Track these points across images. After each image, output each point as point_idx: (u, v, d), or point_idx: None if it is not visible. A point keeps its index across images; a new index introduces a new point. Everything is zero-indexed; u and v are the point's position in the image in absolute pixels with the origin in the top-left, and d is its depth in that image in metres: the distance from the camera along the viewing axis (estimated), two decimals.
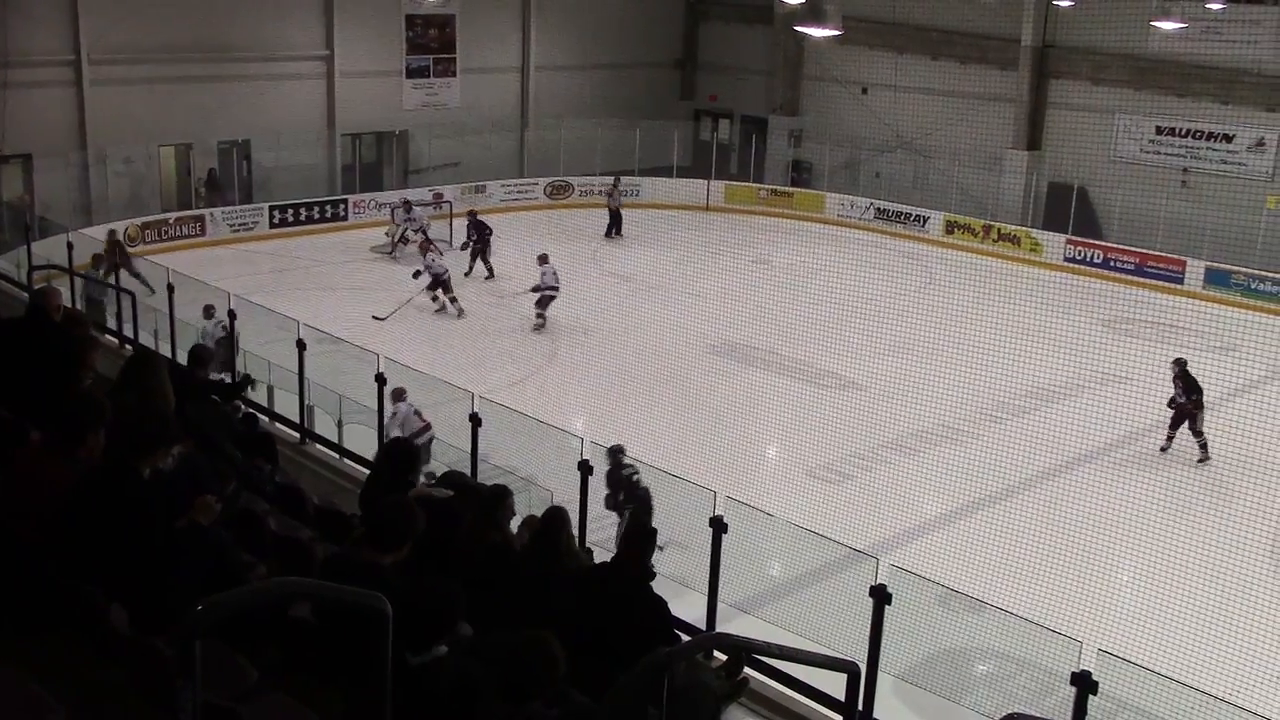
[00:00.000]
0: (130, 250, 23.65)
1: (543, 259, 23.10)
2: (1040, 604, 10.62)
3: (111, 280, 19.49)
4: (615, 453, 13.20)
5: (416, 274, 23.56)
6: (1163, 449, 17.78)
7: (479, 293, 25.06)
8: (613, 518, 12.94)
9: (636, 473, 12.98)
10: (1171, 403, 17.60)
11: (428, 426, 14.88)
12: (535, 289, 22.90)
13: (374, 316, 22.50)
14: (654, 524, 6.76)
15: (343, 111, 31.79)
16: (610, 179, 32.33)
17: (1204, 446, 17.43)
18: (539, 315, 22.83)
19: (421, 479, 14.74)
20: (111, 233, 23.24)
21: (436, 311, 23.53)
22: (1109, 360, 20.01)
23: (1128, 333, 23.02)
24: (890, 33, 32.72)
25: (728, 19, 38.18)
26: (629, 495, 13.01)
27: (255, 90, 30.05)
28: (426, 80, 33.73)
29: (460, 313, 23.42)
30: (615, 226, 30.87)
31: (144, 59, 27.85)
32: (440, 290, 23.51)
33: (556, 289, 22.93)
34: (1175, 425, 17.66)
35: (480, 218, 26.72)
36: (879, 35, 32.66)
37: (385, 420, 13.06)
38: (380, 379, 11.97)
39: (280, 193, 30.09)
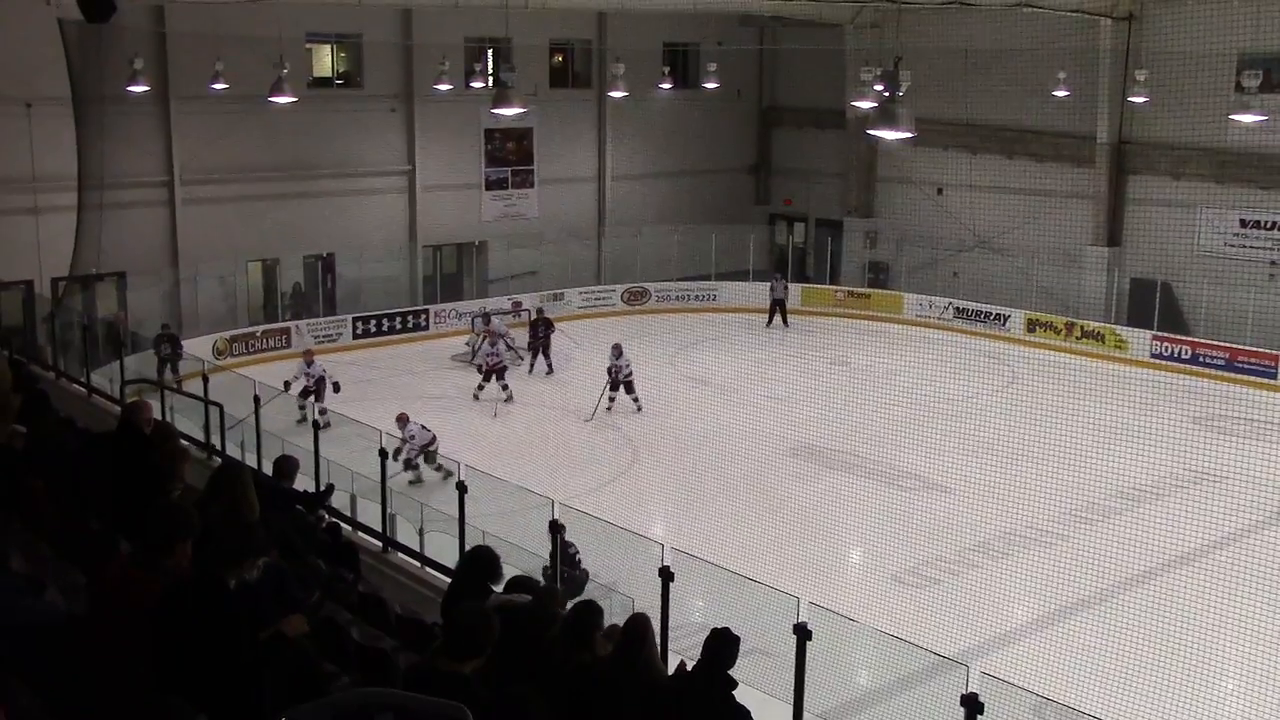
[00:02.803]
0: (218, 363, 24.43)
1: (617, 350, 24.05)
2: (1138, 713, 10.25)
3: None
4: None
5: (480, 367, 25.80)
6: None
7: (553, 397, 25.24)
8: (698, 624, 12.76)
9: (578, 552, 13.09)
10: None
11: (434, 438, 19.00)
12: (615, 381, 23.93)
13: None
14: (735, 631, 6.65)
15: (424, 224, 32.52)
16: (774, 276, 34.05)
17: None
18: (635, 399, 24.02)
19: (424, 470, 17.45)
20: None
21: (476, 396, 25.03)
22: (1202, 459, 19.50)
23: (1220, 430, 22.45)
24: (964, 133, 32.81)
25: (800, 124, 38.59)
26: (570, 572, 12.87)
27: (339, 206, 30.93)
28: (505, 192, 34.43)
29: (509, 398, 24.83)
30: (782, 317, 32.48)
31: (233, 178, 28.86)
32: (495, 378, 24.89)
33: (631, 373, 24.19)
34: None
35: (546, 316, 28.24)
36: (952, 136, 32.77)
37: (400, 443, 18.13)
38: (461, 487, 12.03)
39: (363, 304, 30.74)
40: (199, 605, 5.04)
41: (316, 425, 14.60)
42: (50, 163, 25.64)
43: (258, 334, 28.50)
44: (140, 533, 5.66)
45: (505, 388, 24.81)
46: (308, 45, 30.48)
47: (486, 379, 25.00)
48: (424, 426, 19.20)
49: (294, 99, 24.95)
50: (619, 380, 23.89)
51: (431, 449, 18.95)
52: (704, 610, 13.09)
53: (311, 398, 22.02)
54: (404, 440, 18.63)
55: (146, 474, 7.23)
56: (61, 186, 25.80)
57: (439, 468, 18.56)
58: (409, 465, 18.59)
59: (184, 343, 24.96)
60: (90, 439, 9.18)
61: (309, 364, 23.20)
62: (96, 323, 23.65)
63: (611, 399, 23.93)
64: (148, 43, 26.64)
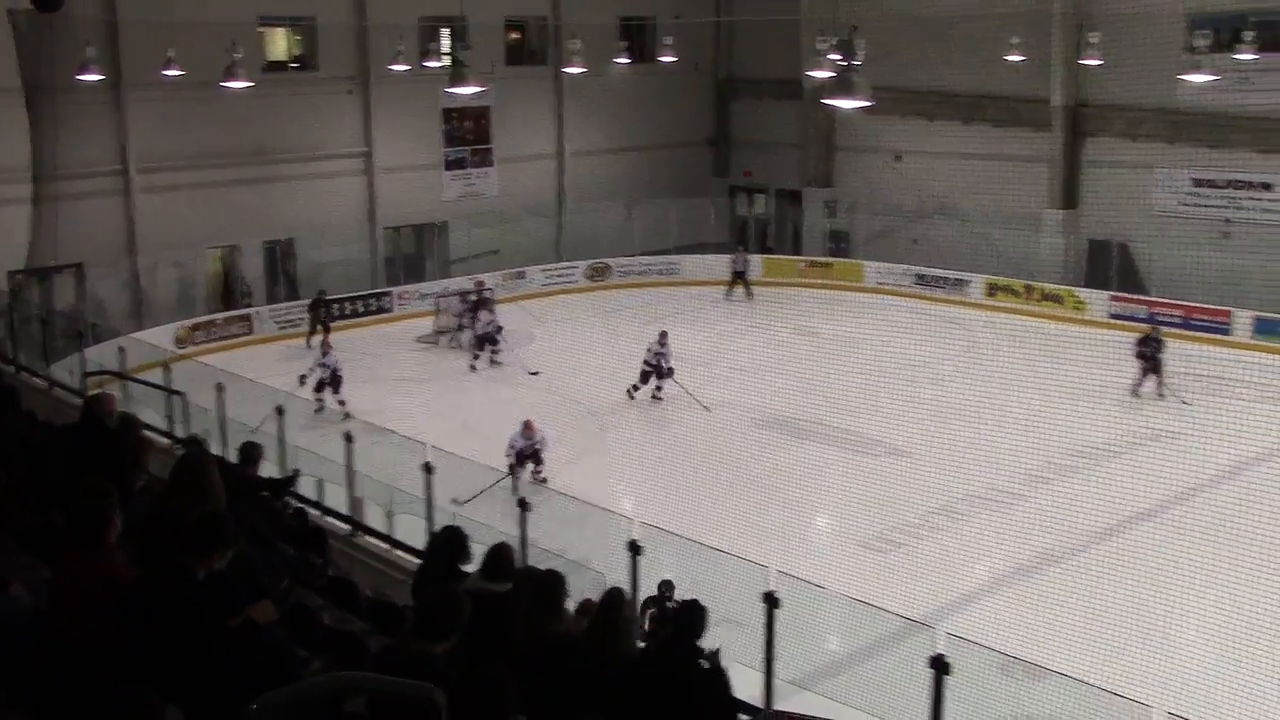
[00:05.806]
0: (180, 351, 24.27)
1: (663, 338, 23.64)
2: (1104, 668, 10.43)
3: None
4: (664, 587, 12.32)
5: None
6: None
7: (522, 374, 25.25)
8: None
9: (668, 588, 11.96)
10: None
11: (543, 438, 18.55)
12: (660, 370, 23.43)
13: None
14: (705, 605, 6.72)
15: (383, 206, 32.33)
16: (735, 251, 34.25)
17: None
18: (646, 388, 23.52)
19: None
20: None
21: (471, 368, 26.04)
22: (1158, 416, 19.78)
23: (1176, 387, 22.74)
24: (920, 100, 32.90)
25: (758, 95, 38.58)
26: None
27: (297, 190, 30.67)
28: (464, 171, 34.28)
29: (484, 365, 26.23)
30: (745, 288, 32.79)
31: (189, 166, 28.50)
32: (488, 347, 26.22)
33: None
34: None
35: (473, 297, 28.04)
36: (909, 103, 32.84)
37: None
38: (428, 468, 12.05)
39: (325, 288, 30.54)
40: (167, 595, 5.06)
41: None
42: (3, 154, 25.27)
43: (219, 321, 28.31)
44: (71, 522, 5.64)
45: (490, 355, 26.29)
46: (261, 28, 30.15)
47: (480, 347, 26.11)
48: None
49: (249, 84, 24.73)
50: (663, 369, 23.30)
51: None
52: (674, 583, 13.21)
53: (327, 389, 22.21)
54: (536, 444, 18.54)
55: (110, 466, 7.23)
56: (15, 178, 25.40)
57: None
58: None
59: (144, 332, 24.75)
60: (53, 432, 9.15)
61: (325, 354, 22.98)
62: (55, 314, 23.42)
63: (659, 388, 23.42)
64: (99, 31, 26.26)
